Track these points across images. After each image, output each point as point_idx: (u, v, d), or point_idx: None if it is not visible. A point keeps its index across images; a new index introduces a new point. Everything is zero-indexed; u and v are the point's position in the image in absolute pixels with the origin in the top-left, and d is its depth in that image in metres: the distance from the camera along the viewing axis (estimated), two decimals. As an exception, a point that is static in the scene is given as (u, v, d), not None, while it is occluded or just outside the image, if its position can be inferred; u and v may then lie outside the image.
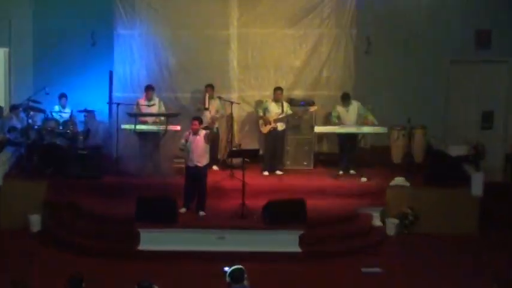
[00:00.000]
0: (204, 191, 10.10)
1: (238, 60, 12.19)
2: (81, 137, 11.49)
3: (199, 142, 9.97)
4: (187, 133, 10.06)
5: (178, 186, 10.29)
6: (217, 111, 11.73)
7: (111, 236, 9.76)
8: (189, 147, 9.97)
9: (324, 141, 12.55)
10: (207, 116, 11.51)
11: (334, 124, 11.56)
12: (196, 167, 10.01)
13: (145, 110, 11.44)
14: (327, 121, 11.97)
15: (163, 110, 11.59)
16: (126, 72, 12.15)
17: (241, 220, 9.78)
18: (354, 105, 11.61)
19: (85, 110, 11.82)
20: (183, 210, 10.04)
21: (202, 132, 10.04)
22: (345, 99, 11.60)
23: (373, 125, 11.48)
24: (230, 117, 11.80)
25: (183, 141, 10.04)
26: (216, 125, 11.81)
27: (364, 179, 11.32)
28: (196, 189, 10.07)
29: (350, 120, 11.56)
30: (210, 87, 11.72)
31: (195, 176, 10.04)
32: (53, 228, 10.20)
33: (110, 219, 9.98)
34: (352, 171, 11.64)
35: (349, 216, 10.35)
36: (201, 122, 10.18)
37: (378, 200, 10.74)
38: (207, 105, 11.57)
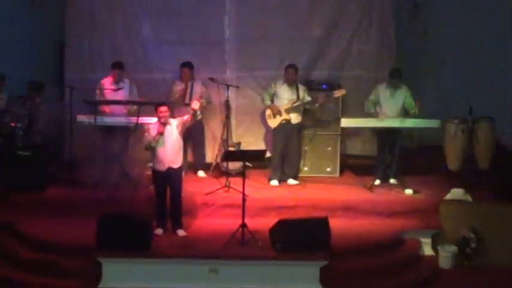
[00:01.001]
0: (180, 201, 10.13)
1: (237, 27, 12.18)
2: (21, 133, 11.35)
3: (172, 135, 9.95)
4: (154, 125, 9.96)
5: (153, 200, 10.26)
6: (201, 98, 11.68)
7: (62, 269, 9.63)
8: (158, 144, 9.95)
9: (355, 138, 12.59)
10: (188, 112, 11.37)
11: (370, 113, 11.51)
12: (170, 169, 10.00)
13: (111, 95, 11.43)
14: (359, 110, 11.84)
15: (135, 96, 11.57)
16: (82, 45, 12.14)
17: (240, 247, 9.71)
18: (403, 91, 11.56)
19: (28, 97, 11.70)
20: (159, 231, 10.07)
21: (174, 122, 10.04)
22: (395, 76, 11.46)
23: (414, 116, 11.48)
24: (226, 107, 11.82)
25: (149, 136, 9.90)
26: (199, 115, 11.60)
27: (409, 191, 11.32)
28: (170, 200, 10.08)
29: (393, 110, 11.51)
30: (186, 67, 11.71)
31: (168, 181, 10.05)
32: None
33: (61, 247, 9.85)
34: (392, 181, 11.64)
35: (388, 243, 10.26)
36: (169, 108, 10.12)
37: (429, 220, 10.69)
38: (187, 101, 11.55)
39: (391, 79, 11.51)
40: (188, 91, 11.70)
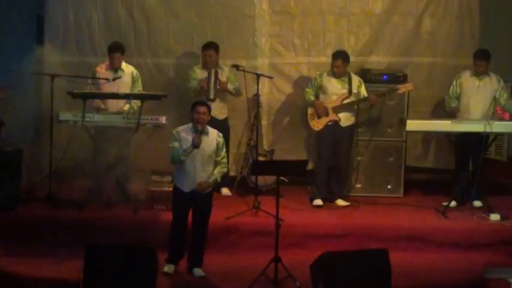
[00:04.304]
0: (205, 235, 9.98)
1: (271, 0, 12.24)
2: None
3: (209, 148, 9.74)
4: (188, 132, 9.69)
5: (160, 225, 10.29)
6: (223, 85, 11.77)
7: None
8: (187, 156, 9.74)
9: (426, 146, 12.56)
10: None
11: (452, 112, 11.49)
12: (197, 192, 9.77)
13: (106, 86, 11.36)
14: (431, 109, 11.98)
15: (140, 88, 11.57)
16: (67, 20, 12.30)
17: (273, 288, 9.60)
18: (493, 80, 11.50)
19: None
20: (169, 268, 9.86)
21: (214, 133, 9.82)
22: (481, 57, 11.38)
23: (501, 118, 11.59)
24: (255, 103, 11.84)
25: (176, 148, 9.64)
26: (224, 114, 11.80)
27: (495, 217, 11.17)
28: (192, 231, 9.93)
29: (480, 107, 11.49)
30: (212, 49, 11.69)
31: (193, 207, 9.85)
32: None
33: (35, 286, 9.65)
34: (476, 203, 11.56)
35: (467, 285, 9.97)
36: (210, 109, 9.85)
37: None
38: (211, 95, 11.58)
39: (477, 64, 11.38)
40: (212, 82, 11.53)
